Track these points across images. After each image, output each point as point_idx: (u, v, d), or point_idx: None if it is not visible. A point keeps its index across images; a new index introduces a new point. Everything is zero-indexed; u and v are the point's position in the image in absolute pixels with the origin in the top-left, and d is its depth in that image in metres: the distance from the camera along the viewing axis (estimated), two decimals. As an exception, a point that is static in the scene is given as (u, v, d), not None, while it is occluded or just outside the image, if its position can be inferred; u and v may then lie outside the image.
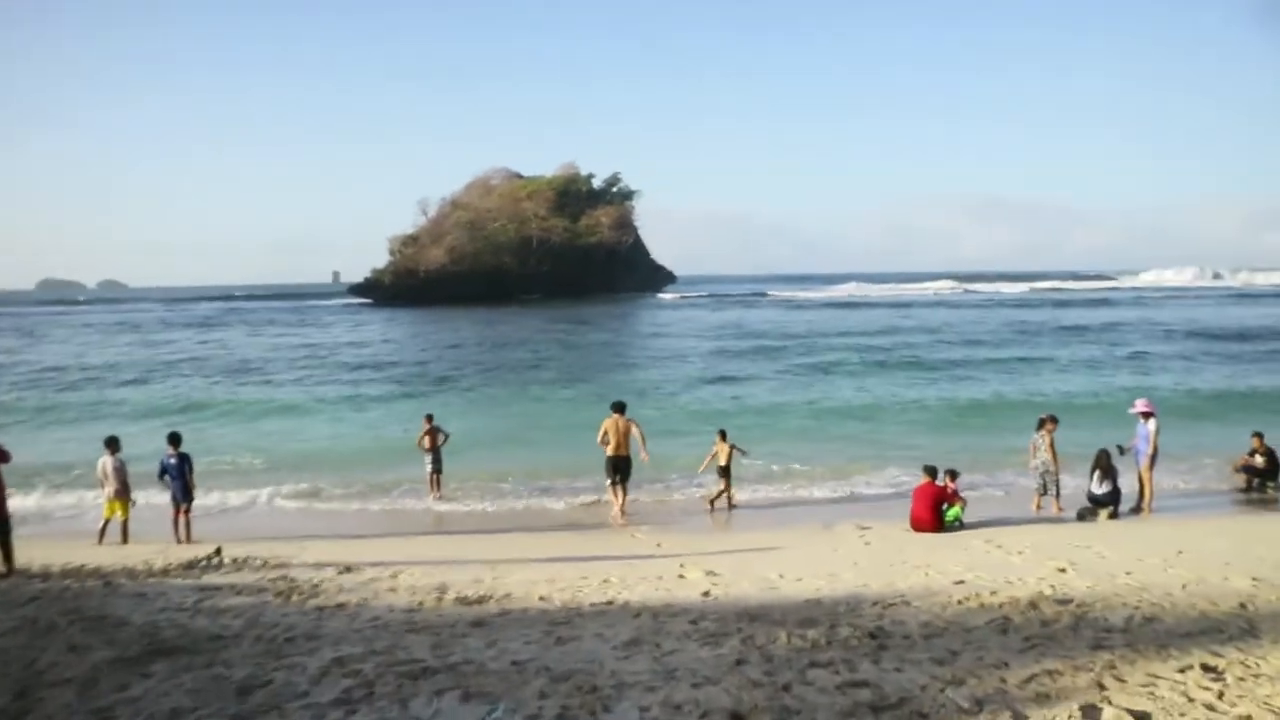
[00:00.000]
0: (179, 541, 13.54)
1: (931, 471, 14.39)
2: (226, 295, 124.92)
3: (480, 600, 8.76)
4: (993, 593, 8.73)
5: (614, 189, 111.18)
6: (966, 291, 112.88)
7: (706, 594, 9.17)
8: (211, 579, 10.07)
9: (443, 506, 16.62)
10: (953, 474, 14.63)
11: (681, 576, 10.20)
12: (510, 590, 9.24)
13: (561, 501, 16.57)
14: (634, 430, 15.45)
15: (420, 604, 8.58)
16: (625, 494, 15.44)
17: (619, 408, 15.67)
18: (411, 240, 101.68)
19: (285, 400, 29.57)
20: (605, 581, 9.88)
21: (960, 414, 25.34)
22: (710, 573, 10.31)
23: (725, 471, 15.96)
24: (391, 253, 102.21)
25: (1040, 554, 10.98)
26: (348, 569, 10.49)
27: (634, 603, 8.69)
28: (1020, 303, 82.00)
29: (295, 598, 8.81)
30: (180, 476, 13.61)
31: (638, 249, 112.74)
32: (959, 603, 8.32)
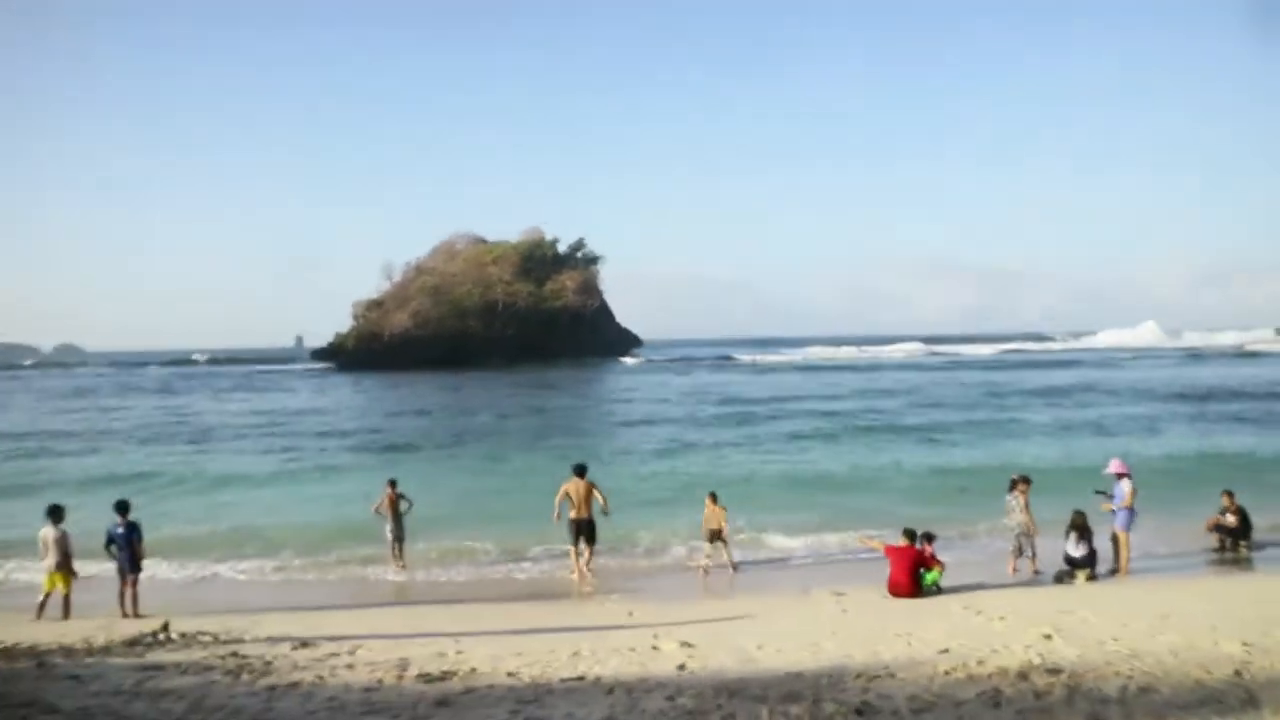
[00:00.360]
0: (125, 615, 12.82)
1: (910, 535, 14.13)
2: (185, 360, 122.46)
3: (444, 677, 8.28)
4: (979, 662, 8.41)
5: (579, 254, 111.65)
6: (933, 354, 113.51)
7: (682, 667, 8.76)
8: (156, 656, 9.47)
9: (403, 577, 16.00)
10: (929, 537, 14.35)
11: (655, 648, 9.76)
12: (475, 665, 8.76)
13: (529, 570, 16.07)
14: (595, 493, 15.37)
15: (380, 681, 8.09)
16: (591, 555, 15.34)
17: (579, 470, 15.60)
18: (375, 305, 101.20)
19: (243, 469, 28.70)
20: (575, 654, 9.43)
21: (935, 477, 25.12)
22: (685, 644, 9.88)
23: (716, 535, 15.59)
24: (355, 317, 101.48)
25: (1022, 619, 10.69)
26: (303, 644, 9.93)
27: (606, 678, 8.26)
28: (988, 365, 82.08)
29: (245, 676, 8.28)
30: (128, 546, 12.94)
31: (603, 313, 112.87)
32: (945, 674, 7.98)
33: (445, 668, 8.62)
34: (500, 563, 16.47)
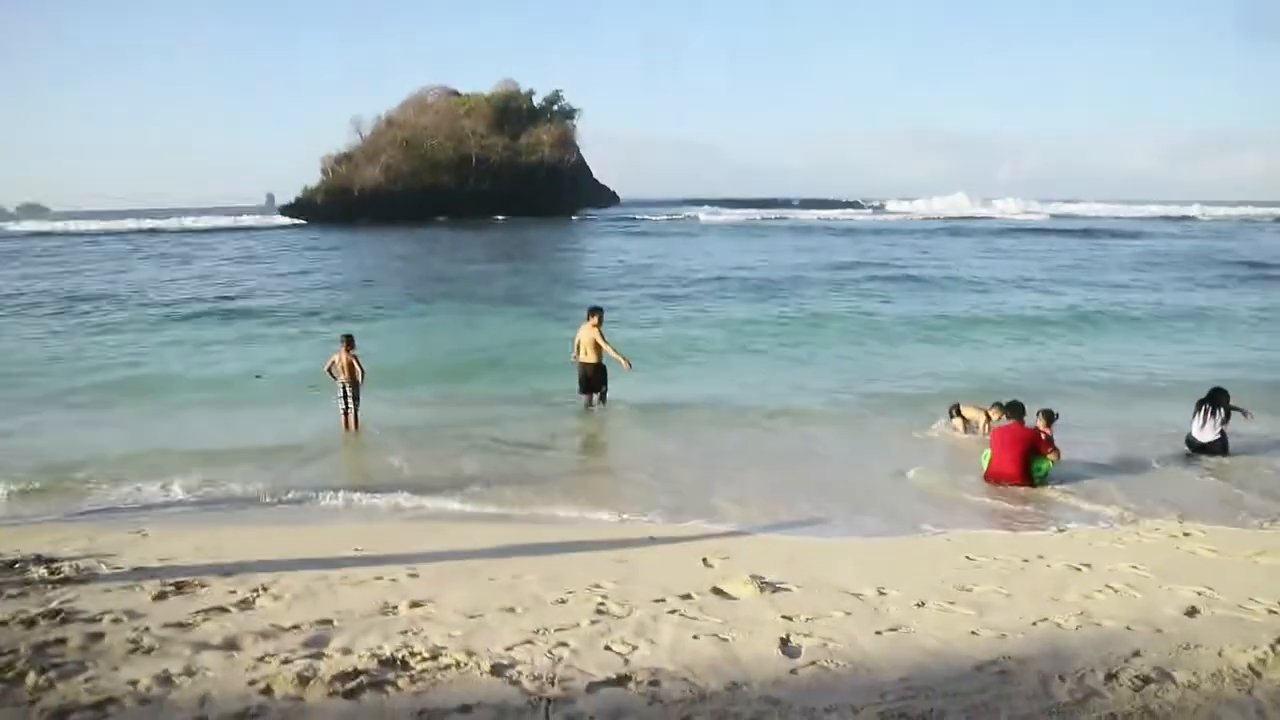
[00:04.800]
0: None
1: (1016, 410, 10.90)
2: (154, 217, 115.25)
3: (382, 677, 4.88)
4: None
5: (555, 107, 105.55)
6: (966, 218, 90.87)
7: (786, 641, 5.42)
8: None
9: (356, 438, 12.92)
10: (1048, 416, 11.11)
11: (721, 593, 6.44)
12: (437, 641, 5.39)
13: (510, 442, 12.40)
14: (599, 340, 14.09)
15: (269, 686, 4.69)
16: (603, 399, 14.30)
17: (591, 312, 14.48)
18: (345, 158, 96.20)
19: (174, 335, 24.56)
20: (600, 610, 6.09)
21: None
22: (763, 584, 6.57)
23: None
24: (324, 171, 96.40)
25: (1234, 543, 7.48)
26: (177, 587, 6.51)
27: (668, 670, 4.92)
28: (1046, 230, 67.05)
29: (31, 680, 4.81)
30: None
31: (581, 169, 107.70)
32: (1261, 658, 4.71)
33: (390, 650, 5.22)
34: (486, 446, 12.72)
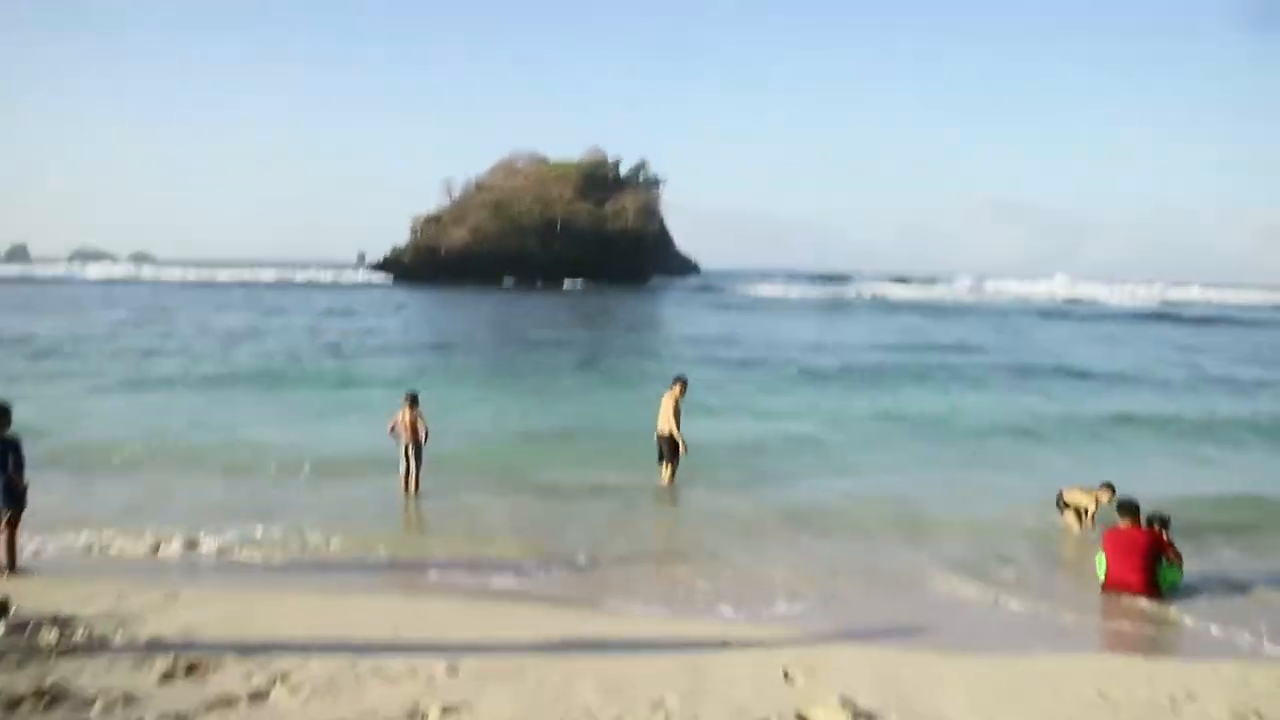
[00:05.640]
0: None
1: (1131, 510, 9.65)
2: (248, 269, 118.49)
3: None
4: None
5: (640, 175, 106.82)
6: (1070, 301, 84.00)
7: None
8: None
9: (414, 507, 12.13)
10: (1164, 522, 9.84)
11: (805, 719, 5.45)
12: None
13: (586, 531, 11.20)
14: (674, 411, 13.33)
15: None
16: (673, 474, 13.45)
17: (675, 380, 13.81)
18: (434, 220, 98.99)
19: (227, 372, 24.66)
20: (661, 727, 5.17)
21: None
22: (856, 711, 5.55)
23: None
24: (413, 231, 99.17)
25: None
26: (189, 668, 5.79)
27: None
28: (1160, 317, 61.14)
29: None
30: (1, 472, 8.93)
31: (663, 237, 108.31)
32: None
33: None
34: (540, 513, 11.92)
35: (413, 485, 12.88)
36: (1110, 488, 11.37)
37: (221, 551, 9.74)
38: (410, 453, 12.97)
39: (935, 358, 31.73)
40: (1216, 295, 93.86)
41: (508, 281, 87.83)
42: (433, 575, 9.33)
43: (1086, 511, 11.47)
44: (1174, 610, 8.87)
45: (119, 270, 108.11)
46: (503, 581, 9.09)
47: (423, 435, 13.05)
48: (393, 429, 13.10)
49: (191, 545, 9.78)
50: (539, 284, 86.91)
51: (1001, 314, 60.83)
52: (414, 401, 13.16)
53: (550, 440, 16.41)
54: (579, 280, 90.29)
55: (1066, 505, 11.66)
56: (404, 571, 9.51)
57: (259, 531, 10.27)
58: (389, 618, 7.41)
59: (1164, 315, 62.69)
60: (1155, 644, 8.14)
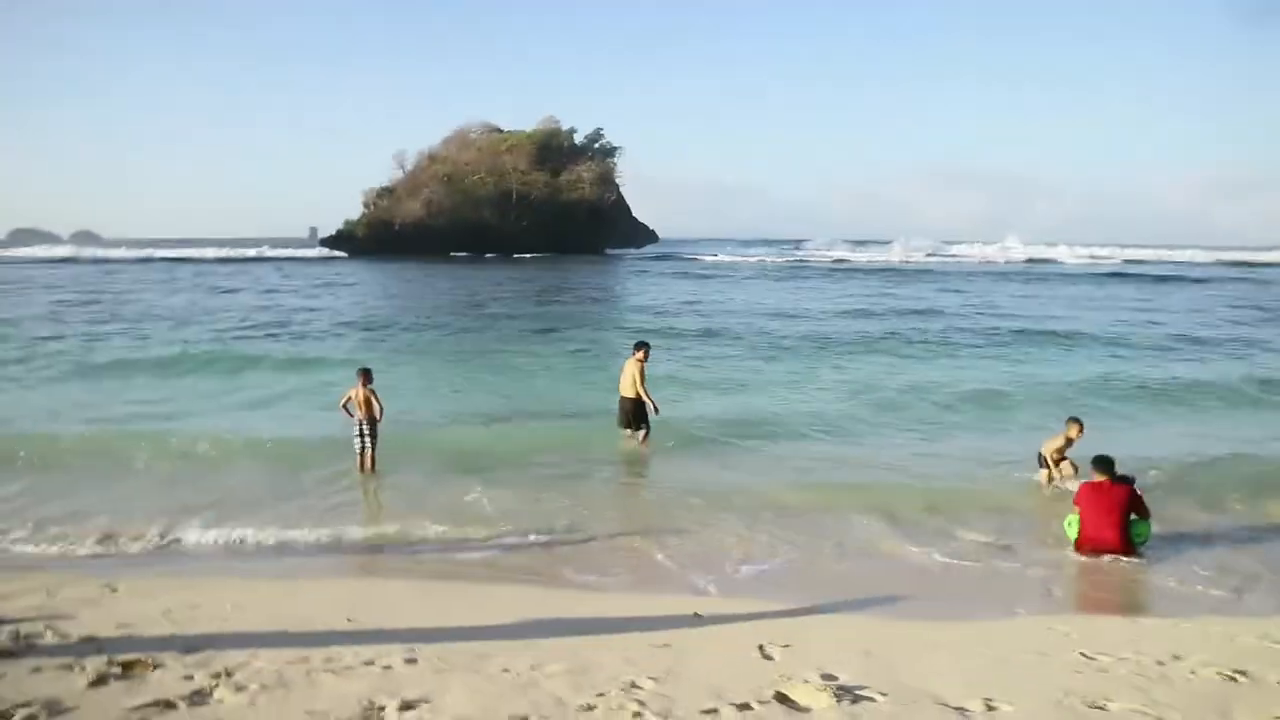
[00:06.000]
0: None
1: (1106, 465, 9.48)
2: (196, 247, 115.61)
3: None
4: None
5: (596, 145, 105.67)
6: (1031, 261, 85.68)
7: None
8: None
9: (373, 484, 11.65)
10: (1127, 479, 9.72)
11: (786, 700, 5.15)
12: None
13: (552, 504, 10.73)
14: (638, 376, 13.46)
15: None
16: (645, 438, 13.51)
17: (637, 346, 13.89)
18: (386, 192, 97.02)
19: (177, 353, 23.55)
20: (636, 715, 4.85)
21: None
22: (839, 689, 5.27)
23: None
24: (365, 205, 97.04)
25: None
26: (124, 668, 5.36)
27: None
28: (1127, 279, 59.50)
29: None
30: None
31: (620, 207, 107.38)
32: None
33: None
34: (504, 487, 11.50)
35: (369, 464, 12.44)
36: (1077, 421, 11.30)
37: (164, 540, 9.25)
38: (365, 430, 12.52)
39: (905, 324, 31.19)
40: (1168, 254, 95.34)
41: (456, 254, 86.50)
42: (392, 558, 8.95)
43: (1059, 452, 11.32)
44: (1150, 567, 8.76)
45: (60, 251, 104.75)
46: (465, 561, 8.75)
47: (377, 411, 12.60)
48: (345, 404, 12.62)
49: (136, 537, 9.27)
50: (488, 256, 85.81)
51: (965, 276, 60.73)
52: (368, 377, 12.68)
53: (512, 416, 15.97)
54: (533, 252, 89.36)
55: (1044, 459, 11.54)
56: (361, 554, 9.12)
57: (205, 519, 9.79)
58: (344, 605, 7.01)
59: (1125, 275, 62.87)
60: (1136, 603, 8.01)
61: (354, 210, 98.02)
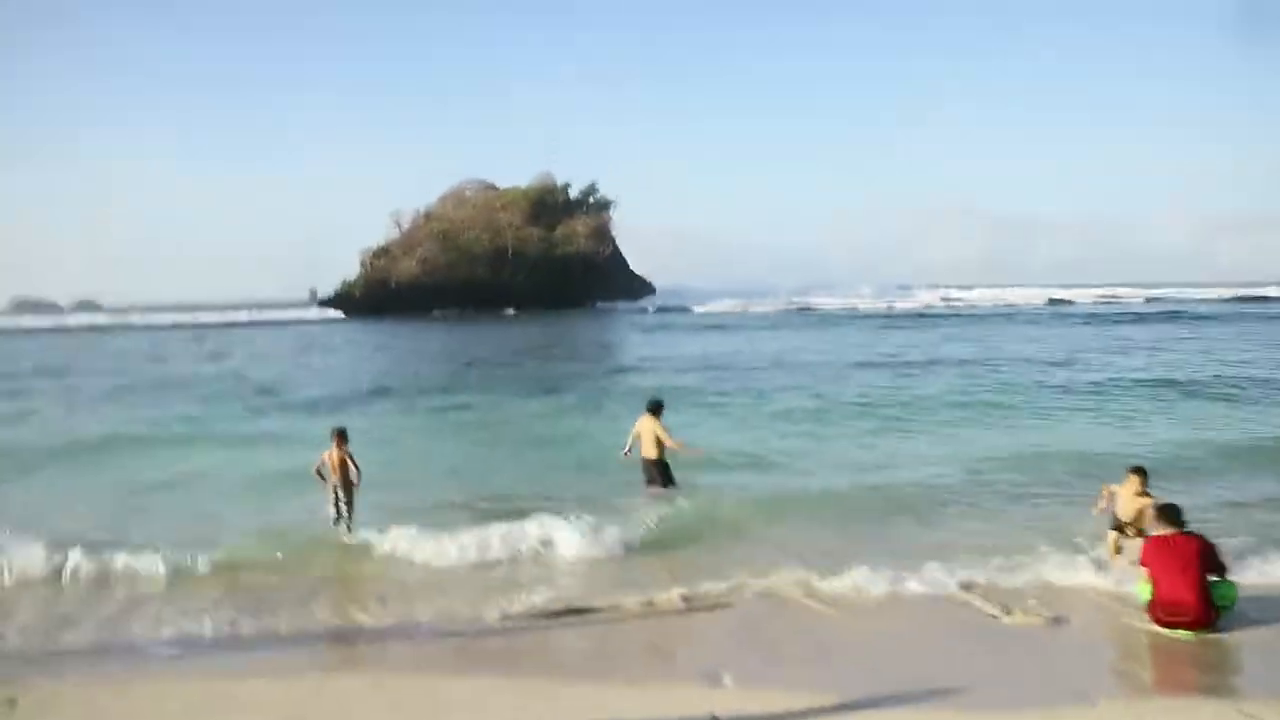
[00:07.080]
0: None
1: (1174, 515, 8.25)
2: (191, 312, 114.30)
3: None
4: None
5: (591, 199, 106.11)
6: (1053, 303, 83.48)
7: None
8: None
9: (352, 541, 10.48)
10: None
11: None
12: None
13: (552, 582, 9.46)
14: (660, 435, 13.18)
15: None
16: (668, 484, 13.25)
17: (651, 408, 13.53)
18: (383, 252, 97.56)
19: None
20: None
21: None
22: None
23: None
24: (362, 265, 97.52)
25: None
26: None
27: None
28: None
29: None
30: None
31: (616, 259, 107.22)
32: None
33: None
34: (497, 560, 10.26)
35: (343, 531, 11.29)
36: (1141, 471, 9.92)
37: (98, 633, 8.05)
38: (341, 496, 11.42)
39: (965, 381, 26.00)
40: (1177, 292, 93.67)
41: (436, 313, 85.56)
42: (357, 644, 7.73)
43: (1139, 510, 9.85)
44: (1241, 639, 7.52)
45: (47, 321, 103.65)
46: (444, 647, 7.53)
47: (353, 474, 11.49)
48: (319, 469, 11.51)
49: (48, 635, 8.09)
50: (469, 312, 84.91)
51: (1032, 319, 57.29)
52: (343, 437, 11.60)
53: (511, 478, 14.78)
54: (523, 308, 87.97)
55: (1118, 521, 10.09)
56: (318, 643, 7.86)
57: (145, 612, 8.58)
58: (289, 709, 5.80)
59: (1172, 314, 58.58)
60: (1225, 683, 6.80)
61: (353, 270, 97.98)
